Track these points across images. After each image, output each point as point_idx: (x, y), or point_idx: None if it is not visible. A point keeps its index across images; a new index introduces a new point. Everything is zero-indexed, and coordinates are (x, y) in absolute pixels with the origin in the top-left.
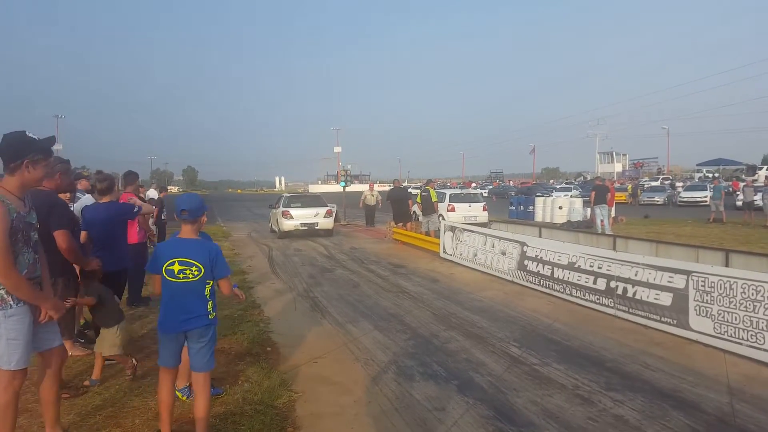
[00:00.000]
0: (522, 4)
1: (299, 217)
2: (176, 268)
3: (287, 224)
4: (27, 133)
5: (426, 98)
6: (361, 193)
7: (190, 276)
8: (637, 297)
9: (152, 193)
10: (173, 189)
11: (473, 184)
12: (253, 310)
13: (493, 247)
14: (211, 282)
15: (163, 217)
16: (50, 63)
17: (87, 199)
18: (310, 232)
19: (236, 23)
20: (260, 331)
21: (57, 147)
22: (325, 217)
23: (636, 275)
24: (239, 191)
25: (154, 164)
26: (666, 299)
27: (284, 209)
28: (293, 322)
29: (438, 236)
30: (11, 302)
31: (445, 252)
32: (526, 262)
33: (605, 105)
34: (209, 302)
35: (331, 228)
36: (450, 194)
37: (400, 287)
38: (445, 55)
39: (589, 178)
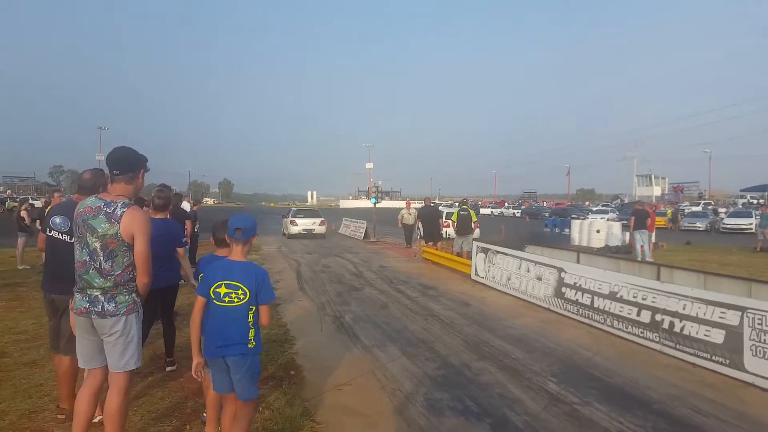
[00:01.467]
0: (558, 22)
1: (301, 224)
2: (222, 290)
3: (293, 229)
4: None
5: (459, 115)
6: (392, 209)
7: (236, 300)
8: (685, 332)
9: (185, 206)
10: (209, 201)
11: (505, 203)
12: (279, 330)
13: (528, 271)
14: (254, 308)
15: (196, 230)
16: (93, 75)
17: None
18: (308, 235)
19: (272, 40)
20: (284, 352)
21: (99, 157)
22: (319, 225)
23: (684, 309)
24: (272, 204)
25: (191, 176)
26: (717, 336)
27: (291, 219)
28: (319, 344)
29: (470, 257)
30: (140, 304)
31: (476, 274)
32: (563, 289)
33: (644, 126)
34: (251, 330)
35: (324, 233)
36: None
37: (429, 310)
38: (479, 72)
39: (626, 201)
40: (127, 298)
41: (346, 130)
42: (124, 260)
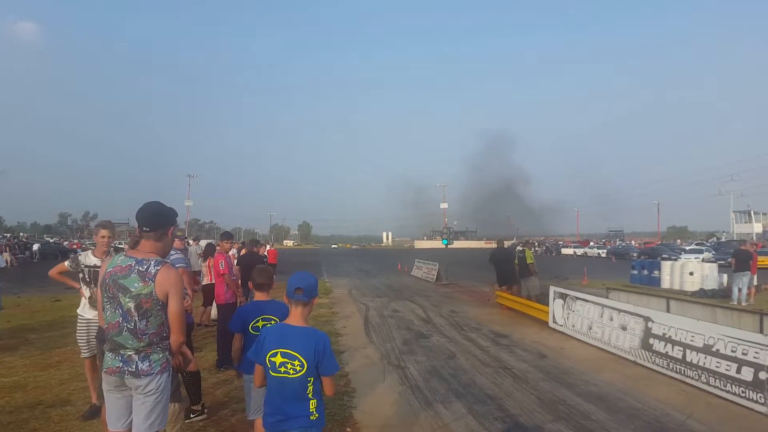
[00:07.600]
0: (646, 51)
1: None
2: (278, 360)
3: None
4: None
5: (537, 150)
6: (465, 250)
7: (291, 372)
8: None
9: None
10: (288, 243)
11: (590, 243)
12: (340, 380)
13: (612, 320)
14: (313, 378)
15: None
16: (182, 126)
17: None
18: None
19: (346, 90)
20: (342, 405)
21: (188, 203)
22: (340, 246)
23: None
24: (348, 246)
25: (273, 220)
26: None
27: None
28: (379, 397)
29: (539, 301)
30: (171, 362)
31: (554, 322)
32: (651, 340)
33: (741, 159)
34: (312, 401)
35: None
36: None
37: (501, 362)
38: (560, 102)
39: (723, 239)
40: (160, 356)
41: (421, 170)
42: (158, 319)
